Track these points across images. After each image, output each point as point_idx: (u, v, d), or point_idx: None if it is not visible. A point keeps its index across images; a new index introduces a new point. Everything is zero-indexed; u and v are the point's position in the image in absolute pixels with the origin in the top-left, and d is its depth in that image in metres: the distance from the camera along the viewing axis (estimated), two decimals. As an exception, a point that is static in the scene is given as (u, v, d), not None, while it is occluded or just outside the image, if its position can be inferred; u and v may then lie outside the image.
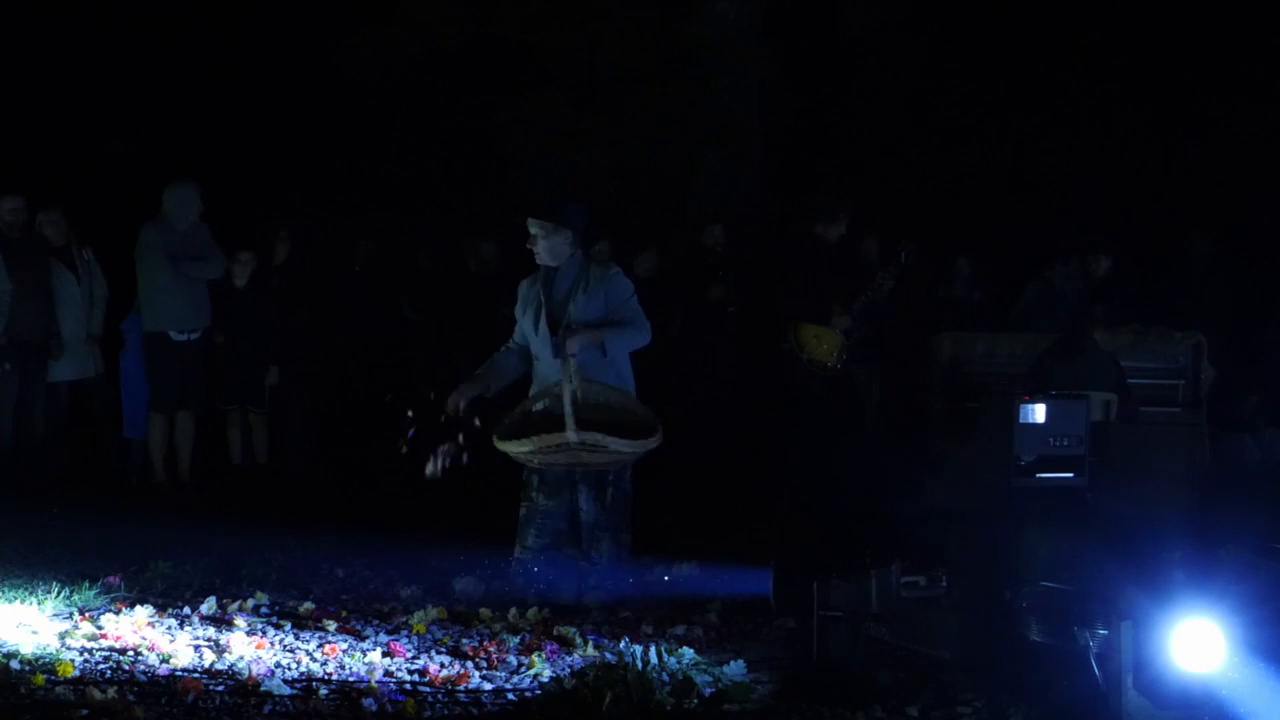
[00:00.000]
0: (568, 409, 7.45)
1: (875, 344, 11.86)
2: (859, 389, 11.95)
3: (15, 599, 7.71)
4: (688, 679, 6.36)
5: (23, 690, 6.19)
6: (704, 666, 6.64)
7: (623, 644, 6.93)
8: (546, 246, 7.95)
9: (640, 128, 15.29)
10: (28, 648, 6.79)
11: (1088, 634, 6.03)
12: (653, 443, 7.74)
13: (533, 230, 7.96)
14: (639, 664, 6.40)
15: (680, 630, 7.53)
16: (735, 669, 6.64)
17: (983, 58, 15.63)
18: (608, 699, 6.02)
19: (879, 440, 11.93)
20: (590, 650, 7.06)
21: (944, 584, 6.97)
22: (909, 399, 12.17)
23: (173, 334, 11.37)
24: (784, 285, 11.44)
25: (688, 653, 6.78)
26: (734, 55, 14.48)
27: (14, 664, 6.54)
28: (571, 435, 7.44)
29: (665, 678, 6.34)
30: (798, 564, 6.86)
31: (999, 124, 15.84)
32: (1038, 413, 7.23)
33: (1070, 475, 7.25)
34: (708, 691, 6.32)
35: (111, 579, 8.15)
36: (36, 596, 7.71)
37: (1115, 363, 10.73)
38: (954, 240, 13.43)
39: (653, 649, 6.60)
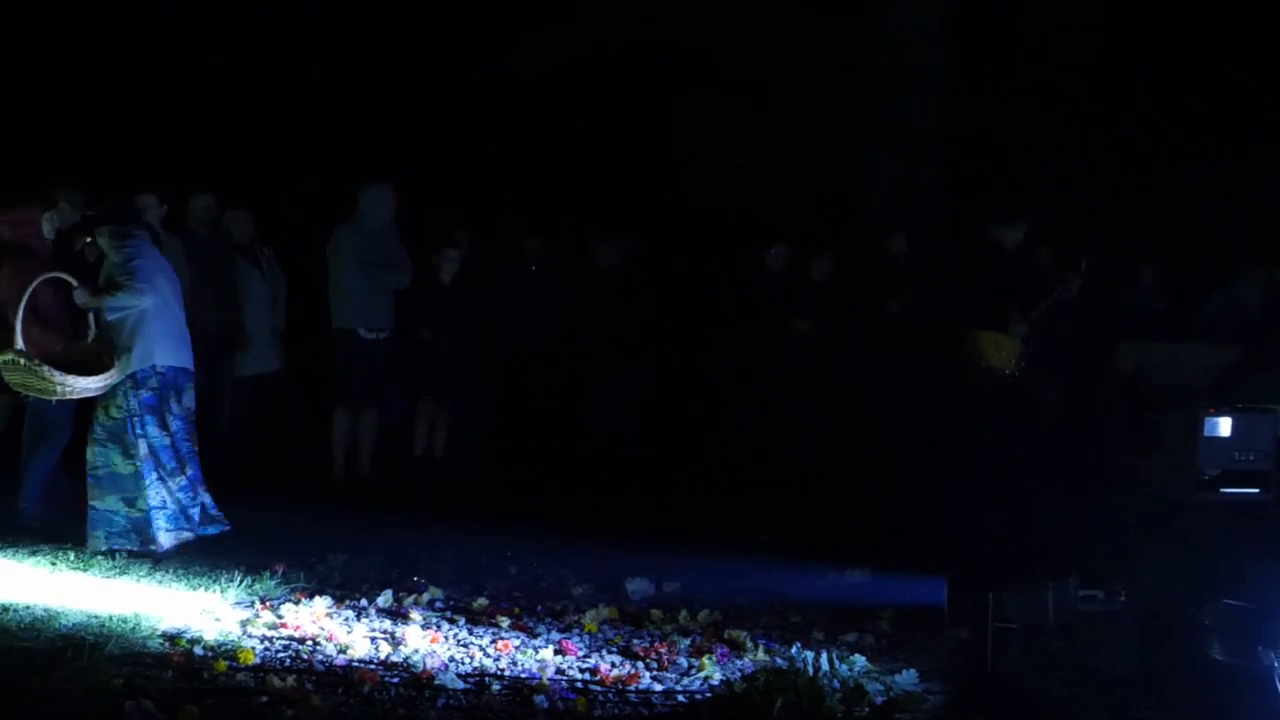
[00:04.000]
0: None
1: (1054, 352, 11.67)
2: (1035, 397, 11.77)
3: (200, 587, 7.92)
4: (859, 686, 6.31)
5: (205, 675, 6.36)
6: (875, 674, 6.58)
7: (794, 649, 6.90)
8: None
9: (814, 131, 15.19)
10: (211, 634, 6.98)
11: (1273, 654, 5.88)
12: (96, 380, 8.75)
13: None
14: (810, 670, 6.37)
15: (852, 637, 7.47)
16: (907, 678, 6.57)
17: (1165, 59, 15.29)
18: (778, 704, 6.00)
19: (1056, 450, 11.73)
20: (761, 654, 7.04)
21: (1122, 598, 6.83)
22: (1087, 408, 11.95)
23: (362, 332, 11.51)
24: (962, 291, 11.30)
25: (859, 660, 6.74)
26: (910, 58, 14.33)
27: (198, 650, 6.72)
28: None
29: (836, 684, 6.30)
30: (973, 574, 6.78)
31: (1183, 128, 15.48)
32: (1223, 426, 7.07)
33: (1256, 490, 7.08)
34: (879, 700, 6.26)
35: (290, 570, 8.31)
36: (220, 585, 7.92)
37: None
38: (1136, 248, 13.15)
39: (824, 655, 6.56)
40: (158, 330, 8.90)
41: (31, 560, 8.48)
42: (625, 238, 13.37)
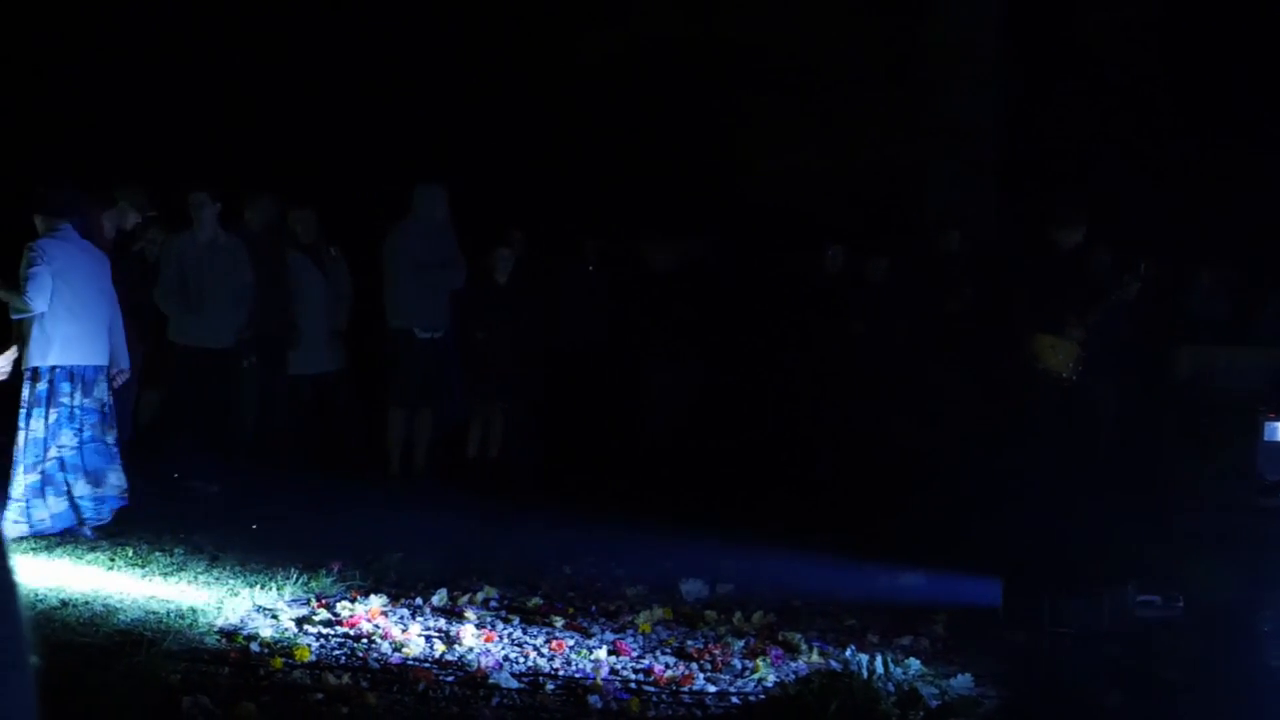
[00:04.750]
0: None
1: (1111, 356, 11.58)
2: (1092, 401, 11.68)
3: (256, 584, 7.96)
4: (914, 690, 6.28)
5: (261, 672, 6.39)
6: (930, 678, 6.55)
7: (848, 652, 6.88)
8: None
9: (871, 132, 15.15)
10: (267, 631, 7.01)
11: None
12: None
13: None
14: (865, 673, 6.35)
15: (906, 640, 7.44)
16: (962, 682, 6.54)
17: (1226, 60, 15.14)
18: (833, 707, 5.99)
19: (1113, 454, 11.65)
20: (815, 657, 7.03)
21: (1180, 604, 6.78)
22: (1145, 412, 11.86)
23: (417, 331, 11.56)
24: (1019, 293, 11.24)
25: (914, 664, 6.71)
26: (968, 58, 14.27)
27: (254, 646, 6.75)
28: None
29: (891, 688, 6.28)
30: (1029, 578, 6.74)
31: (1243, 130, 15.32)
32: (1285, 431, 7.00)
33: (1317, 496, 6.99)
34: (934, 704, 6.23)
35: (346, 568, 8.35)
36: (276, 582, 7.96)
37: None
38: (1195, 251, 13.03)
39: (879, 658, 6.54)
40: (57, 331, 9.13)
41: (90, 556, 8.56)
42: (681, 239, 13.37)
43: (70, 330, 9.16)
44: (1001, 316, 11.54)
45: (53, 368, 9.13)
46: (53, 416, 9.13)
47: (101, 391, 9.34)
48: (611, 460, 12.69)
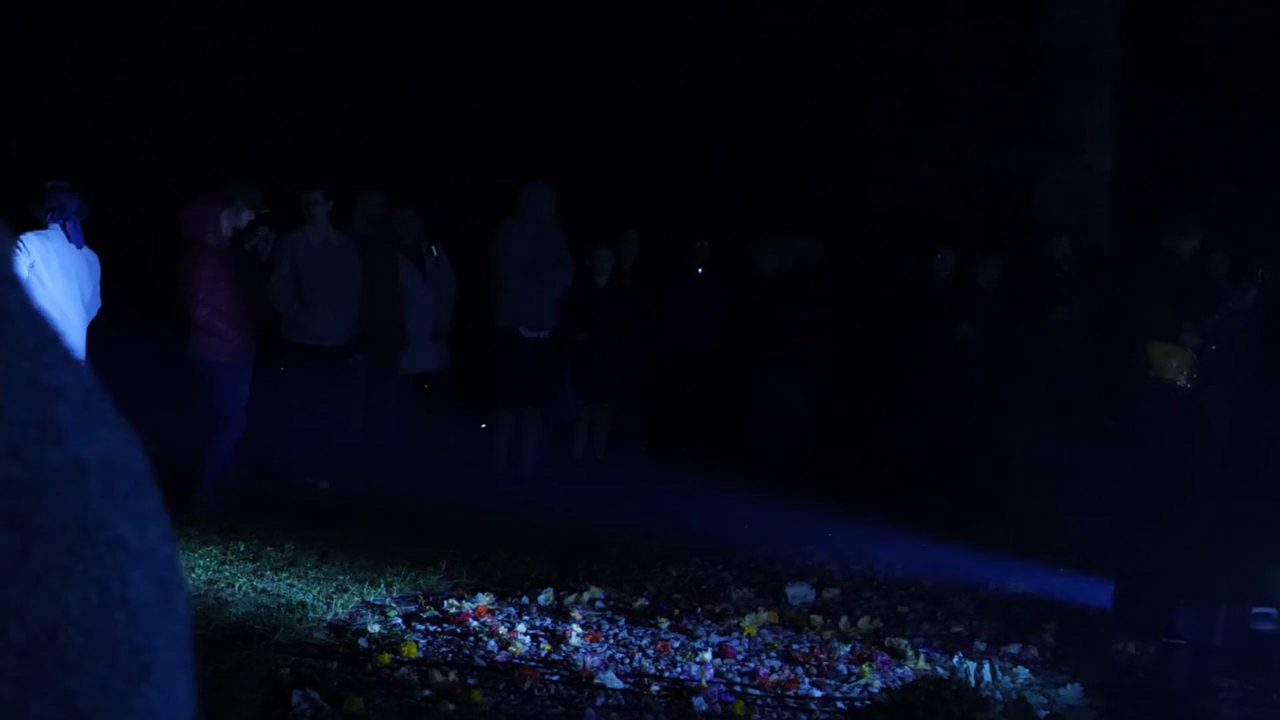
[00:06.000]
0: None
1: (1228, 363, 11.40)
2: (1208, 410, 11.51)
3: (365, 580, 8.04)
4: (1022, 700, 6.22)
5: (369, 667, 6.46)
6: (1039, 688, 6.49)
7: (956, 659, 6.82)
8: None
9: (985, 136, 15.00)
10: (375, 627, 7.09)
11: None
12: None
13: None
14: (972, 681, 6.30)
15: (1015, 648, 7.35)
16: (1071, 692, 6.46)
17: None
18: (940, 715, 5.94)
19: (1230, 463, 11.45)
20: (922, 663, 6.97)
21: (1298, 619, 6.63)
22: (1263, 422, 11.65)
23: (523, 331, 11.57)
24: (1133, 300, 11.09)
25: (1022, 672, 6.65)
26: (1084, 64, 14.10)
27: (362, 642, 6.82)
28: None
29: (999, 697, 6.22)
30: (1142, 587, 6.64)
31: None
32: None
33: None
34: (1042, 714, 6.17)
35: (454, 566, 8.41)
36: (385, 579, 8.04)
37: None
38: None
39: (986, 666, 6.48)
40: None
41: (203, 550, 8.67)
42: (791, 241, 13.35)
43: None
44: (1114, 323, 11.40)
45: None
46: None
47: None
48: (720, 462, 12.66)
